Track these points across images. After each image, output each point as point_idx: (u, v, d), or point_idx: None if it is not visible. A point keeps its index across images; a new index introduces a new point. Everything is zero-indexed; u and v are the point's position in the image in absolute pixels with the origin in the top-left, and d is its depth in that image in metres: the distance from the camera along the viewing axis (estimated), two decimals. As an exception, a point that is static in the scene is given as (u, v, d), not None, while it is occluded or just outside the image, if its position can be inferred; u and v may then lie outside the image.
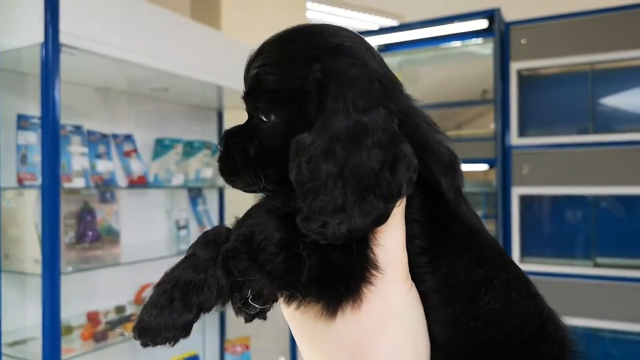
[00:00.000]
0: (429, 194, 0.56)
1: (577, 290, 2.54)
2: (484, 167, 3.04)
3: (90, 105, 2.35)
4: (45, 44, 1.70)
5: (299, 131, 0.54)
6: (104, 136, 2.28)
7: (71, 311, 2.11)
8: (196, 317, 0.54)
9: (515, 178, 2.70)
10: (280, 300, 0.56)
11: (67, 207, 2.11)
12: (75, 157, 2.05)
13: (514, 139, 2.71)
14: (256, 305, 0.56)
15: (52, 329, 1.68)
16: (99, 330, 1.99)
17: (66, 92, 2.10)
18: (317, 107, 0.54)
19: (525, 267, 2.65)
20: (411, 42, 3.18)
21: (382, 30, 3.18)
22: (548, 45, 2.66)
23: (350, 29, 0.61)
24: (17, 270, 1.88)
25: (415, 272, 0.55)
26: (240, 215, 0.59)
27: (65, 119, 2.08)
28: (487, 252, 0.58)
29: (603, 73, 2.68)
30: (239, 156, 0.61)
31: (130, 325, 2.10)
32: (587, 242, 2.68)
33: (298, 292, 0.52)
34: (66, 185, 1.97)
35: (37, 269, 1.72)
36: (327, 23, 0.61)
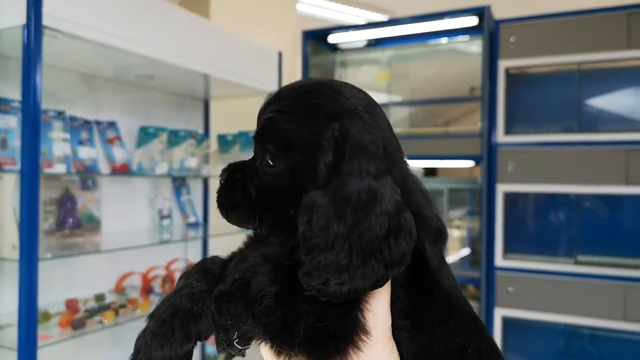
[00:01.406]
0: (414, 260, 0.57)
1: (558, 287, 2.57)
2: (470, 163, 3.06)
3: (73, 91, 2.31)
4: (27, 26, 1.66)
5: (304, 183, 0.56)
6: (87, 122, 2.25)
7: (50, 298, 2.08)
8: (195, 345, 0.57)
9: (501, 175, 2.72)
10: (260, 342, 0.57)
11: (47, 193, 2.08)
12: (57, 142, 2.02)
13: (500, 136, 2.73)
14: (240, 347, 0.58)
15: (29, 316, 1.65)
16: (77, 318, 1.97)
17: (50, 77, 2.07)
18: (332, 167, 0.55)
19: (507, 263, 2.68)
20: (401, 37, 3.18)
21: (372, 25, 3.17)
22: (537, 44, 2.67)
23: (365, 92, 0.63)
24: (-5, 256, 1.85)
25: (398, 335, 0.58)
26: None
27: (48, 104, 2.05)
28: (463, 320, 0.61)
29: (589, 73, 2.70)
30: (239, 194, 0.63)
31: (109, 314, 2.08)
32: (569, 240, 2.71)
33: (291, 349, 0.54)
34: (47, 170, 1.94)
35: (15, 254, 1.70)
36: (347, 83, 0.63)
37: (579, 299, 2.54)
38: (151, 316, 0.57)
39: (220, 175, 0.65)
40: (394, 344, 0.57)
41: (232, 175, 0.64)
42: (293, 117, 0.58)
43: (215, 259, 0.62)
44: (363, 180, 0.53)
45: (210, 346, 2.87)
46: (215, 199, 0.66)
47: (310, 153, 0.56)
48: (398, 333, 0.58)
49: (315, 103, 0.58)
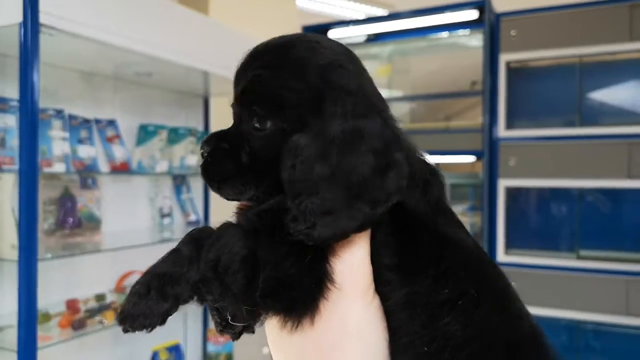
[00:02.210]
0: (401, 211, 0.54)
1: (560, 282, 2.56)
2: (471, 159, 3.04)
3: (72, 89, 2.29)
4: (24, 24, 1.64)
5: None
6: (86, 121, 2.24)
7: (50, 299, 2.07)
8: (174, 308, 0.56)
9: (502, 170, 2.70)
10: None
11: (47, 193, 2.07)
12: (56, 141, 2.01)
13: (502, 131, 2.71)
14: (238, 324, 0.57)
15: (29, 317, 1.65)
16: (77, 319, 1.96)
17: (48, 76, 2.05)
18: (315, 113, 0.53)
19: (509, 259, 2.67)
20: (401, 32, 3.16)
21: (372, 20, 3.15)
22: (538, 37, 2.65)
23: (343, 44, 0.61)
24: (-6, 256, 1.84)
25: (382, 290, 0.54)
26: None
27: (47, 103, 2.03)
28: (459, 266, 0.54)
29: (591, 66, 2.68)
30: (229, 163, 0.59)
31: (110, 314, 2.07)
32: (571, 234, 2.69)
33: (259, 307, 0.52)
34: (46, 170, 1.93)
35: (14, 254, 1.69)
36: (323, 35, 0.61)
37: (581, 294, 2.52)
38: (140, 277, 0.58)
39: (202, 148, 0.61)
40: (376, 296, 0.54)
41: (217, 145, 0.60)
42: (278, 73, 0.55)
43: (206, 228, 0.60)
44: (348, 121, 0.52)
45: (212, 344, 2.87)
46: (202, 173, 0.62)
47: (299, 109, 0.54)
48: (382, 288, 0.54)
49: (298, 56, 0.56)
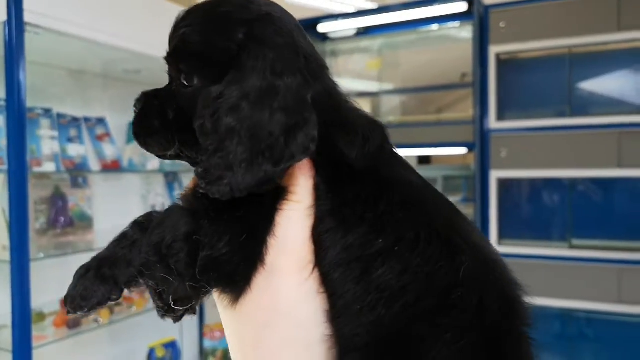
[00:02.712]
0: (338, 171, 0.53)
1: (553, 271, 2.58)
2: (463, 150, 3.05)
3: (61, 87, 2.28)
4: (8, 23, 1.63)
5: None
6: (75, 119, 2.22)
7: (44, 298, 2.07)
8: (114, 291, 0.55)
9: (494, 161, 2.71)
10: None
11: (38, 192, 2.06)
12: (45, 140, 2.00)
13: (493, 122, 2.72)
14: (180, 308, 0.56)
15: (22, 317, 1.65)
16: (72, 318, 1.96)
17: (36, 74, 2.04)
18: (236, 68, 0.52)
19: (503, 249, 2.68)
20: (390, 25, 3.16)
21: (361, 13, 3.14)
22: (527, 28, 2.66)
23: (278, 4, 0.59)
24: (-14, 257, 1.83)
25: (320, 242, 0.52)
26: None
27: (35, 102, 2.02)
28: (397, 207, 0.51)
29: (581, 57, 2.69)
30: (156, 119, 0.59)
31: (104, 312, 2.07)
32: (563, 224, 2.71)
33: (195, 283, 0.52)
34: (36, 169, 1.92)
35: (6, 255, 1.68)
36: None
37: (574, 282, 2.54)
38: (82, 265, 0.58)
39: (135, 105, 0.61)
40: (314, 272, 0.52)
41: (148, 102, 0.61)
42: (203, 29, 0.54)
43: (151, 214, 0.59)
44: (266, 77, 0.50)
45: (208, 340, 2.88)
46: (132, 130, 0.62)
47: (223, 65, 0.53)
48: (320, 239, 0.52)
49: (225, 11, 0.54)
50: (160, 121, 0.59)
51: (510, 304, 0.50)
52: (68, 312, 0.56)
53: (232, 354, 0.56)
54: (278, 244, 0.52)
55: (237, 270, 0.51)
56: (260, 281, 0.51)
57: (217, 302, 0.55)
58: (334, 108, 0.56)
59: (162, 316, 0.59)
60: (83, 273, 0.55)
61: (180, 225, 0.52)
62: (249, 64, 0.51)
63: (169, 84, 0.61)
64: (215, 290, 0.53)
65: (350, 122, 0.55)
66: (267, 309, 0.51)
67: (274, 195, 0.53)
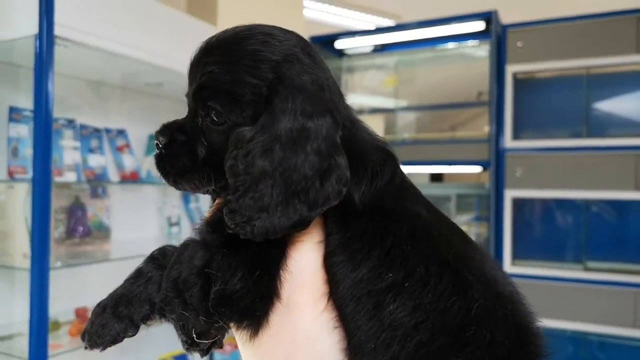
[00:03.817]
0: (345, 207, 0.54)
1: (567, 293, 2.55)
2: (477, 169, 3.05)
3: (83, 99, 2.32)
4: (39, 36, 1.67)
5: None
6: (97, 130, 2.26)
7: (60, 307, 2.08)
8: (129, 328, 0.57)
9: (509, 181, 2.71)
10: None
11: (58, 202, 2.08)
12: (67, 151, 2.03)
13: (508, 141, 2.72)
14: (204, 341, 0.57)
15: (40, 325, 1.66)
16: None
17: (59, 85, 2.07)
18: (267, 108, 0.53)
19: (516, 269, 2.67)
20: (408, 42, 3.18)
21: (379, 30, 3.17)
22: (544, 48, 2.66)
23: (299, 34, 0.60)
24: (6, 265, 1.85)
25: (333, 273, 0.53)
26: None
27: (58, 113, 2.05)
28: (405, 240, 0.52)
29: (598, 78, 2.69)
30: (186, 157, 0.59)
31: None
32: (577, 245, 2.69)
33: (207, 317, 0.52)
34: (57, 179, 1.94)
35: (26, 263, 1.70)
36: (277, 26, 0.59)
37: (588, 305, 2.52)
38: (99, 301, 0.59)
39: (157, 139, 0.60)
40: (330, 303, 0.52)
41: (173, 138, 0.60)
42: (232, 67, 0.54)
43: (166, 249, 0.60)
44: (297, 119, 0.51)
45: (218, 353, 2.87)
46: (157, 165, 0.61)
47: (254, 104, 0.54)
48: (331, 271, 0.53)
49: (252, 50, 0.55)
50: (190, 160, 0.58)
51: (522, 337, 0.51)
52: (85, 348, 0.57)
53: None
54: (292, 278, 0.52)
55: (253, 305, 0.51)
56: (278, 316, 0.52)
57: (235, 337, 0.55)
58: (348, 139, 0.56)
59: (187, 349, 0.59)
60: (100, 312, 0.57)
61: (195, 260, 0.53)
62: (280, 106, 0.52)
63: (190, 117, 0.60)
64: (231, 325, 0.54)
65: (361, 154, 0.56)
66: (287, 343, 0.52)
67: None
